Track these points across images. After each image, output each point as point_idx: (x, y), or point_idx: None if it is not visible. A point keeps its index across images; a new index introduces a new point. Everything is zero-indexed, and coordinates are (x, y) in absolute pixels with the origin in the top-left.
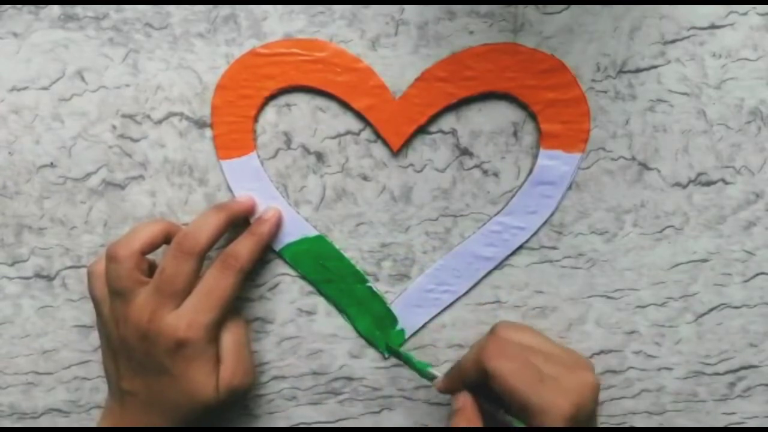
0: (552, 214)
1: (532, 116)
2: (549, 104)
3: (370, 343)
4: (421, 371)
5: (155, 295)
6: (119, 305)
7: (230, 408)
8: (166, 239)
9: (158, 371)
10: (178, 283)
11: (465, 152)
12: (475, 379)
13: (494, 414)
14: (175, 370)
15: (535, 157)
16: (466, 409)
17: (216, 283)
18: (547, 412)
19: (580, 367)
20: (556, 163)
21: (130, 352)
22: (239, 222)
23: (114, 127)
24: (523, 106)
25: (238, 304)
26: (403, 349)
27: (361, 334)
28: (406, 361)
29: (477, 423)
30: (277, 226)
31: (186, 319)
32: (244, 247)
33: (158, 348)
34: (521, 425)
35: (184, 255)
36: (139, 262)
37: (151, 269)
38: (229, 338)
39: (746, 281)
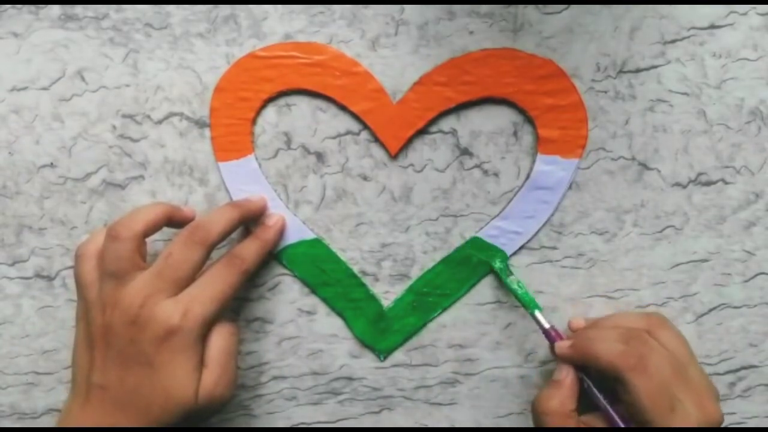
0: (548, 218)
1: (530, 121)
2: (547, 110)
3: (367, 346)
4: (526, 305)
5: (154, 280)
6: (110, 288)
7: (200, 423)
8: (167, 222)
9: (138, 361)
10: (183, 270)
11: (465, 152)
12: (600, 371)
13: (591, 396)
14: (158, 360)
15: (535, 158)
16: (565, 386)
17: (219, 277)
18: None
19: (710, 397)
20: (553, 168)
21: (111, 339)
22: (249, 222)
23: (114, 127)
24: (521, 111)
25: (238, 305)
26: (513, 279)
27: (357, 337)
28: (513, 292)
29: (571, 403)
30: (281, 232)
31: (183, 307)
32: (249, 249)
33: (145, 335)
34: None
35: (195, 244)
36: (140, 245)
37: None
38: (219, 343)
39: (746, 281)
